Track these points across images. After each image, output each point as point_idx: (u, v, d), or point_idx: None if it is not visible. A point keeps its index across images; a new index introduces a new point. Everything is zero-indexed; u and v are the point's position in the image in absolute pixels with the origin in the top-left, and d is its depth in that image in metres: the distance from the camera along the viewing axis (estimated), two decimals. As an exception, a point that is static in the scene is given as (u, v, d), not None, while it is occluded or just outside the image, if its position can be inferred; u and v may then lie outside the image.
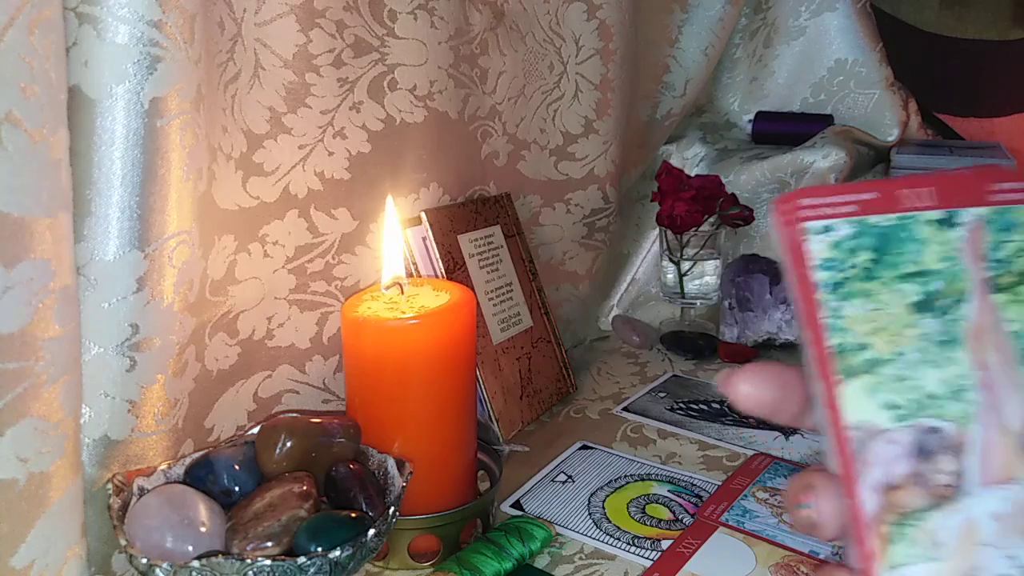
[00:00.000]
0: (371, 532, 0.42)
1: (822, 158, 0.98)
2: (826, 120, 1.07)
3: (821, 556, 0.54)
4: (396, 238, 0.56)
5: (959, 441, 0.23)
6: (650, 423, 0.74)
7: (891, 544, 0.22)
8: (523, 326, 0.75)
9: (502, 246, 0.74)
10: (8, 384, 0.37)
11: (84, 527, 0.44)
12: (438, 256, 0.67)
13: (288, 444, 0.47)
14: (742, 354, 0.87)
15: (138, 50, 0.42)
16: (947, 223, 0.24)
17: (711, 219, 0.90)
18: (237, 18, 0.53)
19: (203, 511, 0.43)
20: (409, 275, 0.59)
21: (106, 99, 0.42)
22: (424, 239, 0.68)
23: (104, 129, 0.42)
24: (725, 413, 0.76)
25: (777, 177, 0.99)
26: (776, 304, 0.85)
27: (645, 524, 0.59)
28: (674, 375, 0.85)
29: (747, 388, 0.25)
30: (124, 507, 0.44)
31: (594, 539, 0.58)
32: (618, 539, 0.57)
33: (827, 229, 0.23)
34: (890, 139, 1.07)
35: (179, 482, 0.47)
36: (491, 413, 0.69)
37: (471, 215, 0.72)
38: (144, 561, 0.40)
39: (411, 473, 0.48)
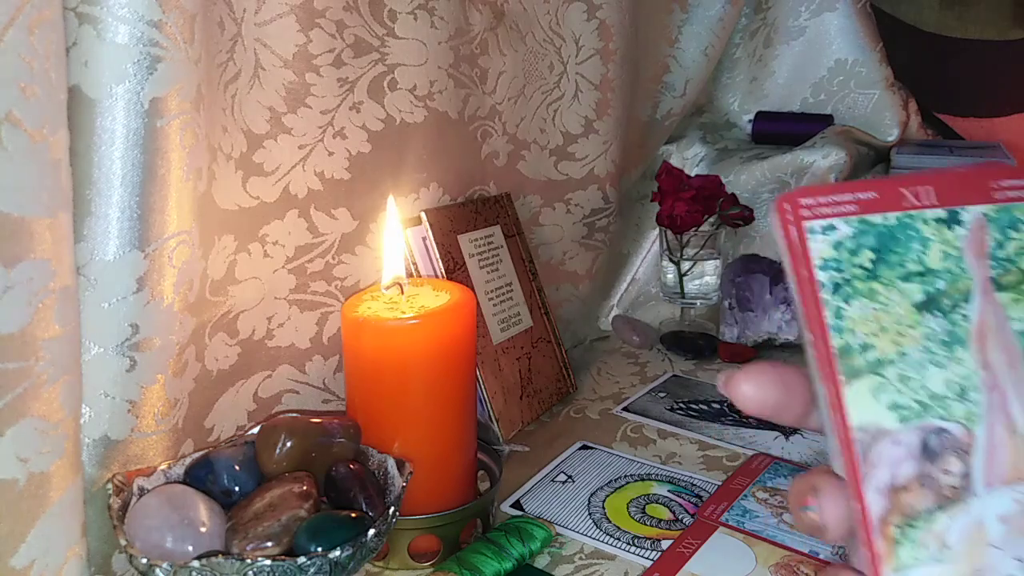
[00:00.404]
0: (371, 532, 0.42)
1: (822, 158, 0.98)
2: (826, 120, 1.07)
3: (821, 556, 0.54)
4: (397, 238, 0.56)
5: (965, 442, 0.22)
6: (650, 423, 0.74)
7: (898, 546, 0.22)
8: (523, 326, 0.75)
9: (502, 246, 0.74)
10: (8, 384, 0.37)
11: (84, 527, 0.44)
12: (438, 256, 0.67)
13: (288, 444, 0.47)
14: (742, 354, 0.87)
15: (138, 50, 0.42)
16: (949, 222, 0.24)
17: (711, 219, 0.90)
18: (237, 18, 0.53)
19: (203, 511, 0.43)
20: (409, 275, 0.59)
21: (106, 99, 0.42)
22: (424, 239, 0.68)
23: (104, 129, 0.42)
24: (725, 413, 0.76)
25: (777, 177, 0.99)
26: (776, 304, 0.85)
27: (645, 524, 0.59)
28: (674, 375, 0.85)
29: (749, 389, 0.25)
30: (124, 507, 0.44)
31: (594, 539, 0.58)
32: (618, 539, 0.57)
33: (828, 229, 0.23)
34: (890, 139, 1.07)
35: (179, 482, 0.47)
36: (491, 413, 0.69)
37: (471, 215, 0.72)
38: (144, 561, 0.40)
39: (411, 473, 0.48)
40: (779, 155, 1.00)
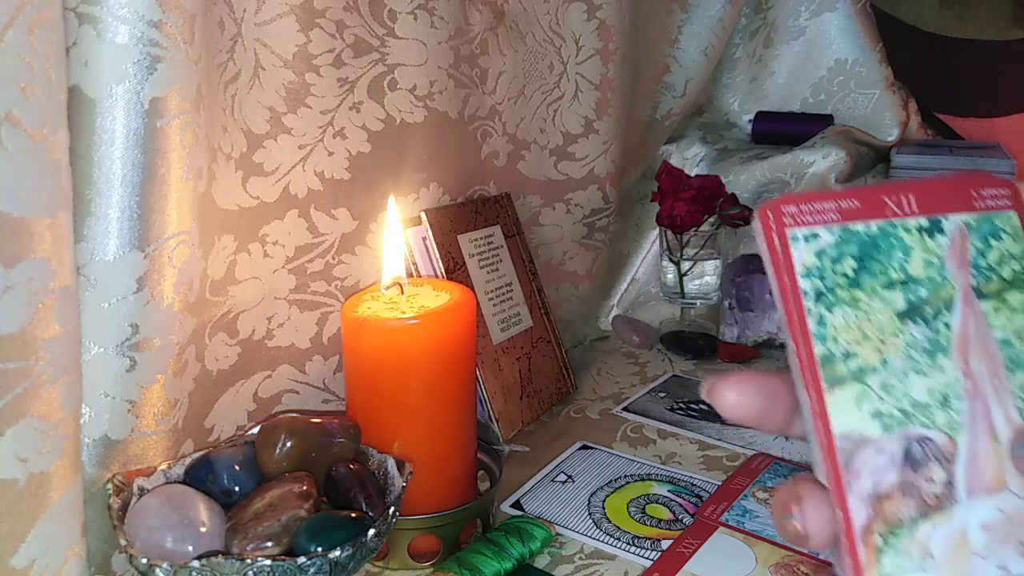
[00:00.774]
0: (371, 532, 0.42)
1: (822, 158, 0.98)
2: (826, 120, 1.07)
3: (821, 556, 0.54)
4: (397, 238, 0.56)
5: (948, 450, 0.22)
6: (650, 423, 0.74)
7: (881, 554, 0.22)
8: (523, 326, 0.75)
9: (502, 246, 0.74)
10: (8, 384, 0.37)
11: (84, 527, 0.44)
12: (438, 256, 0.67)
13: (288, 444, 0.47)
14: (742, 354, 0.87)
15: (138, 50, 0.42)
16: (931, 230, 0.24)
17: (711, 219, 0.90)
18: (237, 18, 0.53)
19: (203, 511, 0.43)
20: (409, 275, 0.59)
21: (106, 99, 0.42)
22: (424, 239, 0.68)
23: (104, 129, 0.42)
24: (725, 413, 0.76)
25: (777, 177, 0.99)
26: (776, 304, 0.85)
27: (645, 524, 0.59)
28: (674, 375, 0.85)
29: (732, 397, 0.25)
30: (124, 507, 0.44)
31: (594, 539, 0.58)
32: (618, 539, 0.57)
33: (811, 237, 0.23)
34: (890, 139, 1.07)
35: (179, 482, 0.47)
36: (491, 413, 0.69)
37: (471, 215, 0.72)
38: (144, 561, 0.40)
39: (411, 473, 0.48)
40: (779, 155, 1.00)
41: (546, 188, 0.84)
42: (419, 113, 0.66)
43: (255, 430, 0.50)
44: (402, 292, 0.54)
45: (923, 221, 0.24)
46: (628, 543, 0.57)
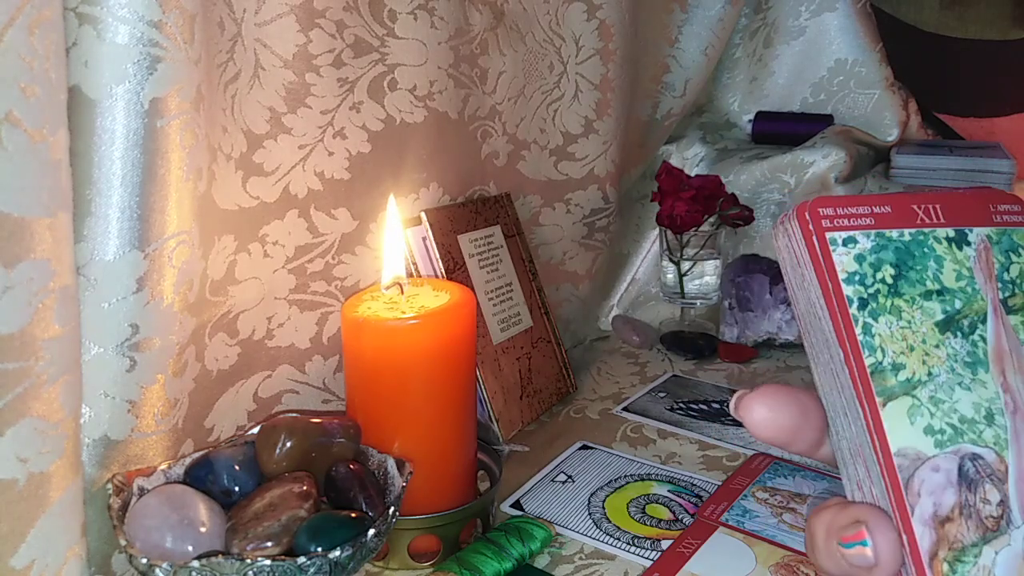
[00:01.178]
0: (371, 532, 0.42)
1: (822, 158, 0.98)
2: (826, 120, 1.07)
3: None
4: (397, 238, 0.56)
5: (999, 468, 0.22)
6: (650, 423, 0.74)
7: None
8: (523, 326, 0.75)
9: (502, 246, 0.74)
10: (8, 384, 0.37)
11: (84, 527, 0.44)
12: (438, 256, 0.67)
13: (288, 444, 0.47)
14: (742, 354, 0.87)
15: (138, 50, 0.42)
16: (958, 241, 0.23)
17: (711, 219, 0.90)
18: (237, 18, 0.53)
19: (203, 511, 0.43)
20: (409, 275, 0.59)
21: (106, 99, 0.42)
22: (424, 239, 0.68)
23: (104, 129, 0.42)
24: (725, 413, 0.76)
25: (777, 177, 0.99)
26: (776, 304, 0.85)
27: (645, 524, 0.59)
28: (674, 375, 0.85)
29: (765, 412, 0.23)
30: (124, 507, 0.44)
31: (594, 539, 0.58)
32: (618, 539, 0.57)
33: (849, 241, 0.23)
34: (890, 139, 1.07)
35: (179, 482, 0.47)
36: (491, 413, 0.69)
37: (471, 215, 0.72)
38: (144, 561, 0.40)
39: (411, 473, 0.48)
40: (779, 155, 1.00)
41: (546, 188, 0.84)
42: (419, 113, 0.66)
43: (255, 430, 0.50)
44: (402, 292, 0.54)
45: (951, 232, 0.23)
46: (628, 543, 0.57)
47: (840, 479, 0.23)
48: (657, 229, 0.98)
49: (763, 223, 0.99)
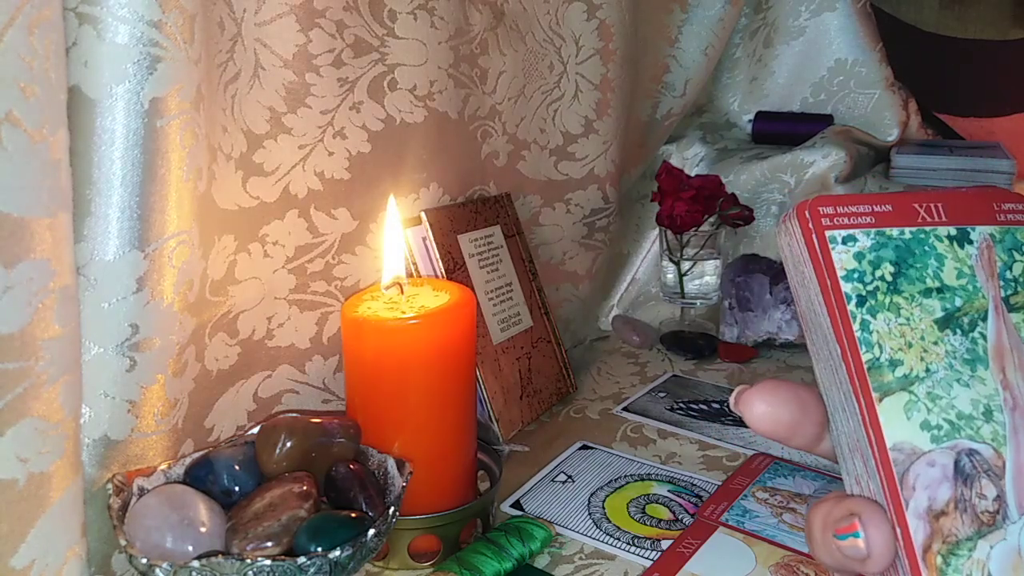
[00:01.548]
0: (371, 532, 0.42)
1: (822, 158, 0.98)
2: (826, 120, 1.07)
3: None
4: (397, 238, 0.56)
5: (996, 464, 0.22)
6: (650, 423, 0.74)
7: (943, 574, 0.21)
8: (523, 326, 0.75)
9: (502, 246, 0.74)
10: (8, 384, 0.37)
11: (84, 527, 0.44)
12: (438, 256, 0.67)
13: (288, 444, 0.47)
14: (742, 354, 0.87)
15: (138, 50, 0.42)
16: (960, 240, 0.23)
17: (711, 219, 0.90)
18: (237, 18, 0.53)
19: (203, 511, 0.43)
20: (409, 275, 0.59)
21: (106, 99, 0.42)
22: (424, 239, 0.68)
23: (104, 129, 0.42)
24: (725, 413, 0.76)
25: (777, 177, 0.99)
26: (776, 304, 0.85)
27: (645, 524, 0.59)
28: (674, 375, 0.85)
29: (764, 407, 0.24)
30: (124, 507, 0.44)
31: (594, 539, 0.58)
32: (618, 539, 0.57)
33: (849, 239, 0.23)
34: (890, 139, 1.07)
35: (179, 482, 0.47)
36: (491, 413, 0.69)
37: (471, 215, 0.72)
38: (144, 561, 0.40)
39: (411, 473, 0.48)
40: (779, 155, 1.00)
41: (546, 188, 0.84)
42: (419, 113, 0.66)
43: (255, 430, 0.50)
44: (402, 292, 0.54)
45: (952, 230, 0.23)
46: (628, 543, 0.57)
47: (839, 479, 0.24)
48: (657, 229, 0.98)
49: (763, 223, 0.99)
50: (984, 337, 0.23)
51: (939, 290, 0.23)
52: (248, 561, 0.40)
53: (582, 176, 0.85)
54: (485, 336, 0.70)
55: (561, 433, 0.73)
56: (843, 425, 0.23)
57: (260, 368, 0.59)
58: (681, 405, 0.78)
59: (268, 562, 0.40)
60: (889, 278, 0.23)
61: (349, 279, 0.64)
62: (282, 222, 0.58)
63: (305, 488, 0.45)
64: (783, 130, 1.07)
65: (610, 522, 0.59)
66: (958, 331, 0.23)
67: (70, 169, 0.41)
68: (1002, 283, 0.23)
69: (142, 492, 0.45)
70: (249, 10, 0.53)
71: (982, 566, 0.21)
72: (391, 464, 0.49)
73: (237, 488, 0.46)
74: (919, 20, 1.13)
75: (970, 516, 0.21)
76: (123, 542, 0.41)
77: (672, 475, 0.65)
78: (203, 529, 0.42)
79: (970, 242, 0.23)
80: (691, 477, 0.65)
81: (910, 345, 0.22)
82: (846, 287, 0.23)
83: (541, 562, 0.55)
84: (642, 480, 0.65)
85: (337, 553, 0.41)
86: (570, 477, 0.65)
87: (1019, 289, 0.23)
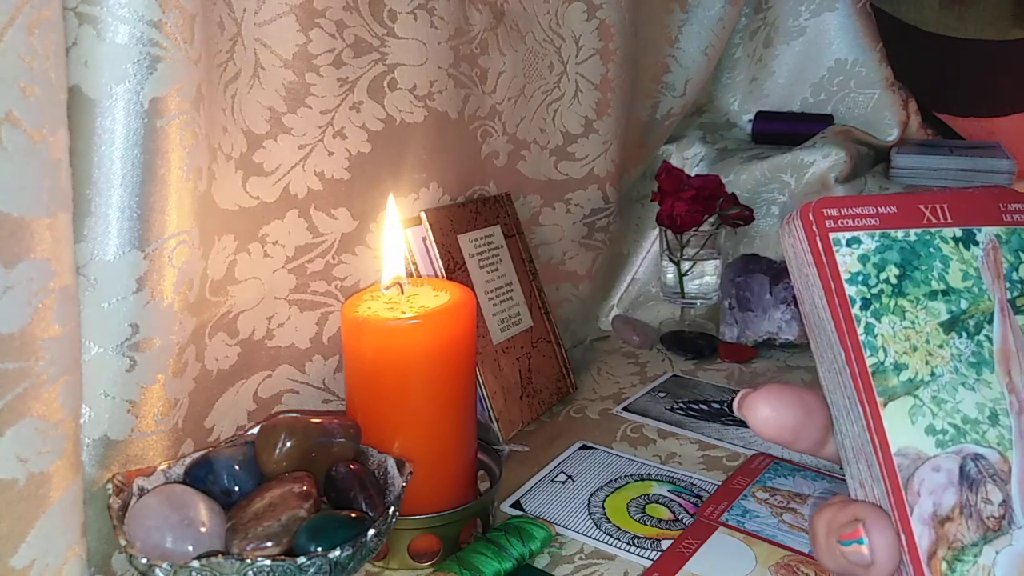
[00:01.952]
0: (371, 532, 0.42)
1: (822, 158, 0.98)
2: (826, 120, 1.07)
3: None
4: (396, 238, 0.56)
5: (1002, 468, 0.22)
6: (650, 423, 0.74)
7: None
8: (523, 326, 0.75)
9: (502, 246, 0.74)
10: (8, 384, 0.37)
11: (84, 527, 0.44)
12: (438, 256, 0.67)
13: (288, 444, 0.47)
14: (742, 354, 0.87)
15: (138, 50, 0.42)
16: (965, 241, 0.23)
17: (711, 219, 0.90)
18: (237, 18, 0.53)
19: (203, 511, 0.43)
20: (409, 275, 0.59)
21: (106, 99, 0.42)
22: (424, 239, 0.68)
23: (104, 129, 0.42)
24: (725, 413, 0.76)
25: (777, 177, 0.99)
26: (776, 304, 0.85)
27: (645, 524, 0.59)
28: (674, 375, 0.85)
29: (768, 411, 0.23)
30: (124, 507, 0.44)
31: (594, 539, 0.58)
32: (618, 539, 0.57)
33: (853, 241, 0.23)
34: (890, 139, 1.07)
35: (179, 482, 0.47)
36: (491, 413, 0.69)
37: (471, 215, 0.72)
38: (144, 561, 0.40)
39: (411, 473, 0.48)
40: (779, 155, 1.00)
41: (546, 188, 0.84)
42: (419, 113, 0.66)
43: (255, 430, 0.50)
44: (402, 292, 0.54)
45: (957, 232, 0.23)
46: (628, 543, 0.57)
47: (840, 479, 0.23)
48: (657, 229, 0.98)
49: (763, 223, 0.99)
50: (990, 340, 0.22)
51: (944, 292, 0.23)
52: (248, 561, 0.40)
53: (582, 176, 0.85)
54: (485, 336, 0.70)
55: (561, 433, 0.73)
56: (847, 429, 0.23)
57: (260, 368, 0.59)
58: (681, 405, 0.78)
59: (268, 562, 0.40)
60: (894, 281, 0.23)
61: (349, 279, 0.64)
62: (282, 222, 0.58)
63: (305, 488, 0.45)
64: (783, 130, 1.07)
65: (610, 522, 0.59)
66: (963, 334, 0.22)
67: (70, 169, 0.41)
68: (1008, 285, 0.23)
69: (142, 492, 0.45)
70: (249, 10, 0.53)
71: (988, 572, 0.21)
72: (391, 464, 0.49)
73: (237, 488, 0.46)
74: (919, 20, 1.13)
75: (976, 521, 0.21)
76: (123, 542, 0.41)
77: (672, 475, 0.65)
78: (203, 529, 0.42)
79: (976, 243, 0.23)
80: (691, 477, 0.65)
81: (915, 349, 0.22)
82: (850, 290, 0.22)
83: (541, 562, 0.55)
84: (642, 480, 0.65)
85: (337, 553, 0.41)
86: (570, 477, 0.65)
87: None
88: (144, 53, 0.42)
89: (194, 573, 0.40)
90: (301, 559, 0.40)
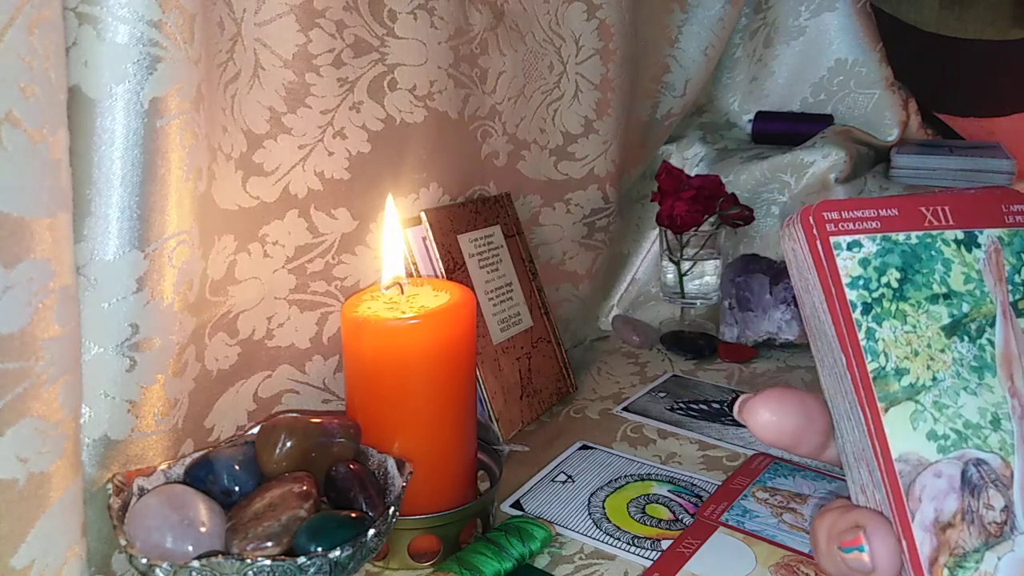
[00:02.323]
0: (371, 532, 0.42)
1: (822, 158, 0.98)
2: (826, 120, 1.07)
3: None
4: (396, 238, 0.56)
5: (1004, 474, 0.21)
6: (650, 423, 0.74)
7: None
8: (523, 326, 0.75)
9: (502, 246, 0.74)
10: (8, 384, 0.37)
11: (84, 527, 0.44)
12: (438, 256, 0.67)
13: (288, 444, 0.47)
14: (742, 354, 0.87)
15: (138, 50, 0.42)
16: (967, 243, 0.23)
17: (711, 219, 0.90)
18: (237, 18, 0.53)
19: (203, 511, 0.43)
20: (409, 275, 0.59)
21: (106, 99, 0.42)
22: (424, 239, 0.68)
23: (104, 129, 0.42)
24: (725, 413, 0.76)
25: (777, 177, 0.99)
26: (776, 304, 0.85)
27: (645, 524, 0.59)
28: (674, 375, 0.85)
29: (769, 416, 0.23)
30: (124, 507, 0.44)
31: (594, 539, 0.58)
32: (618, 539, 0.57)
33: (854, 245, 0.22)
34: (890, 139, 1.07)
35: (179, 482, 0.47)
36: (491, 413, 0.69)
37: (471, 215, 0.72)
38: (144, 561, 0.40)
39: (411, 473, 0.48)
40: (779, 155, 1.00)
41: (546, 188, 0.84)
42: (419, 113, 0.66)
43: (255, 430, 0.50)
44: (402, 292, 0.54)
45: (959, 234, 0.23)
46: (628, 543, 0.57)
47: (841, 478, 0.23)
48: (657, 229, 0.98)
49: (763, 223, 0.99)
50: (992, 343, 0.22)
51: (946, 296, 0.22)
52: (248, 561, 0.40)
53: (582, 176, 0.85)
54: (485, 336, 0.70)
55: (561, 433, 0.73)
56: (848, 434, 0.23)
57: (260, 368, 0.59)
58: (681, 405, 0.78)
59: (268, 562, 0.40)
60: (895, 285, 0.22)
61: (349, 279, 0.64)
62: (282, 222, 0.58)
63: (305, 488, 0.45)
64: (783, 130, 1.07)
65: (610, 522, 0.59)
66: (965, 338, 0.22)
67: (70, 169, 0.41)
68: (1010, 287, 0.23)
69: (142, 492, 0.45)
70: (249, 10, 0.53)
71: None
72: (391, 464, 0.49)
73: (237, 488, 0.46)
74: (919, 20, 1.13)
75: (977, 527, 0.21)
76: (123, 542, 0.41)
77: (672, 475, 0.65)
78: (203, 529, 0.42)
79: (978, 246, 0.23)
80: (691, 477, 0.65)
81: (916, 353, 0.22)
82: (851, 294, 0.22)
83: (541, 562, 0.55)
84: (642, 480, 0.65)
85: (337, 553, 0.41)
86: (570, 477, 0.65)
87: None
88: (144, 53, 0.42)
89: (194, 573, 0.40)
90: (301, 559, 0.40)
